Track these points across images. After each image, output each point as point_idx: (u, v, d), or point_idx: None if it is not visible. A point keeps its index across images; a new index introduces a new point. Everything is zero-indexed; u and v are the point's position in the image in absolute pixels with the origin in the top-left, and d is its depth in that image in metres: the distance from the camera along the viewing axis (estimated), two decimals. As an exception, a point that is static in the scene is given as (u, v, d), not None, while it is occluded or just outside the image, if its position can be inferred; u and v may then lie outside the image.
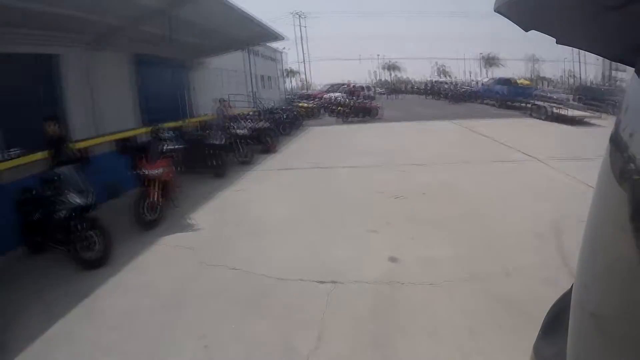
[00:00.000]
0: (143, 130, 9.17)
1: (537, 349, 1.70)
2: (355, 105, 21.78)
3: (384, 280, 4.23)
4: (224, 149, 9.73)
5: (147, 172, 6.31)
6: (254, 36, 17.17)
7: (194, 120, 13.63)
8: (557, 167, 8.76)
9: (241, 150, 10.75)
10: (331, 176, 8.96)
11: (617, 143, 1.08)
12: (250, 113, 16.03)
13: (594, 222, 1.16)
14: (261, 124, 12.84)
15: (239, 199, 7.65)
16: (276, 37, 18.71)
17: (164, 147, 6.82)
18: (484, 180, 8.10)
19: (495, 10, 1.53)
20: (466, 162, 9.86)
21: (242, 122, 11.89)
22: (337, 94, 29.39)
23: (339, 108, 21.93)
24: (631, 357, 0.93)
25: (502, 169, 9.06)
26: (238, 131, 10.78)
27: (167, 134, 7.44)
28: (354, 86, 34.35)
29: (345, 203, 6.99)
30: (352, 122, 20.40)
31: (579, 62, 52.17)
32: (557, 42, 1.70)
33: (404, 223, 5.92)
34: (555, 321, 1.72)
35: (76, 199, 4.94)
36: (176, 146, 7.16)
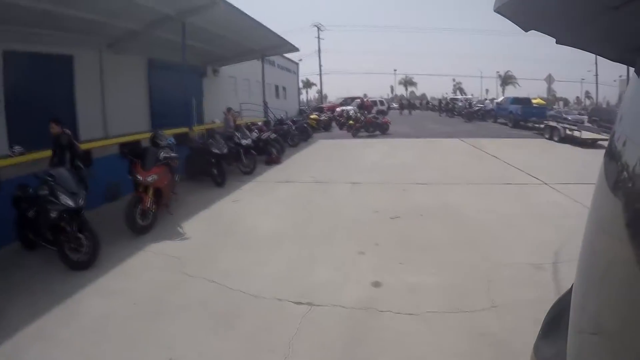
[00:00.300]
0: (147, 135, 9.31)
1: (537, 349, 1.71)
2: (365, 120, 21.85)
3: (363, 306, 4.07)
4: (225, 158, 9.83)
5: (140, 178, 6.43)
6: (268, 46, 17.45)
7: (201, 127, 13.83)
8: (566, 192, 8.48)
9: (244, 160, 10.84)
10: (330, 192, 8.93)
11: (611, 151, 1.10)
12: (259, 123, 16.21)
13: (592, 226, 1.17)
14: (267, 135, 12.98)
15: (233, 210, 7.69)
16: (290, 48, 19.01)
17: (160, 155, 6.94)
18: (487, 204, 7.87)
19: (495, 11, 1.54)
20: (471, 183, 9.67)
21: (247, 131, 11.96)
22: (349, 108, 29.54)
23: (350, 122, 22.03)
24: (630, 358, 0.93)
25: (508, 192, 8.82)
26: (242, 141, 10.87)
27: (166, 141, 7.56)
28: (367, 100, 34.45)
29: (339, 221, 6.85)
30: (361, 137, 20.46)
31: (596, 83, 51.50)
32: (557, 42, 1.71)
33: (394, 246, 5.72)
34: (555, 321, 1.74)
35: (68, 201, 5.06)
36: (172, 154, 7.25)
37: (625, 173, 1.00)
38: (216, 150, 9.43)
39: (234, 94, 22.40)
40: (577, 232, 4.97)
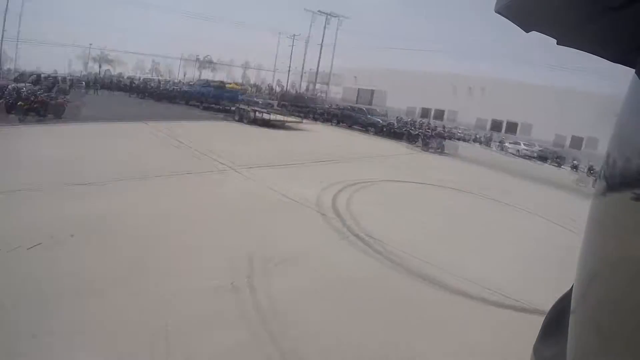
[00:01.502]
0: None
1: (537, 349, 1.71)
2: (37, 100, 19.08)
3: None
4: None
5: None
6: None
7: None
8: (255, 177, 8.25)
9: None
10: None
11: (610, 151, 1.15)
12: None
13: (593, 223, 1.19)
14: None
15: None
16: None
17: None
18: (159, 206, 6.58)
19: (495, 11, 1.52)
20: (144, 177, 7.95)
21: None
22: (21, 85, 26.96)
23: (20, 102, 18.98)
24: (629, 358, 0.94)
25: (191, 185, 7.72)
26: None
27: None
28: (44, 76, 31.53)
29: None
30: (29, 123, 16.38)
31: (288, 72, 61.62)
32: (557, 43, 1.70)
33: (19, 300, 3.83)
34: (555, 322, 1.73)
35: None
36: None
37: (624, 172, 1.05)
38: None
39: None
40: (269, 226, 6.36)
